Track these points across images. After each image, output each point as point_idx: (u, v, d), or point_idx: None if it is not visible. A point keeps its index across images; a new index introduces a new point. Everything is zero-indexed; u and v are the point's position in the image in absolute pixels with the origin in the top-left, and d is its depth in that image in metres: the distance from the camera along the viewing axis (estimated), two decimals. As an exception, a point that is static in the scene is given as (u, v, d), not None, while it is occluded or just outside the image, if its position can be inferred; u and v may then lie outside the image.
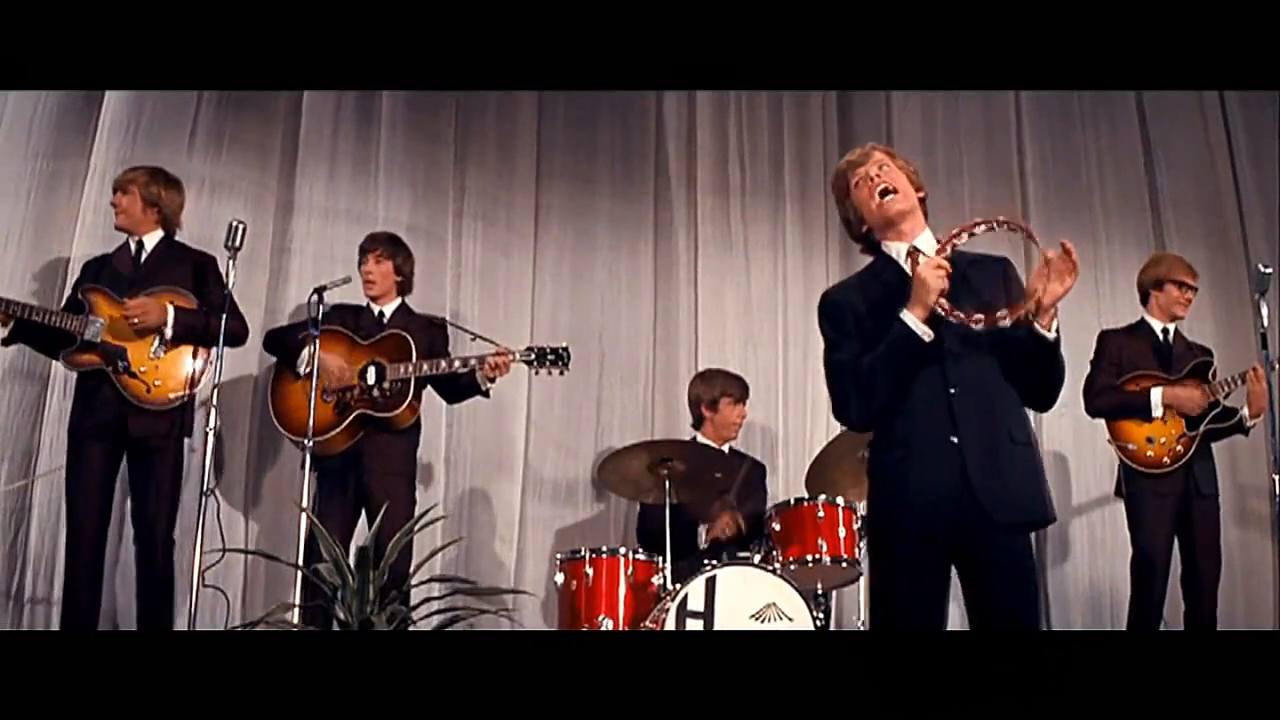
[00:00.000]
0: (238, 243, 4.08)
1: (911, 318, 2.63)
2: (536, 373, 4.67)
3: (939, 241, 2.75)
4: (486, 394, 4.63)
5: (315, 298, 4.31)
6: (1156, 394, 4.68)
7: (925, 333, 2.63)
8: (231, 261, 4.11)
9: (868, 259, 2.91)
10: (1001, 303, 2.69)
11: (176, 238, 4.48)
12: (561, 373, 4.64)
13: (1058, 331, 2.65)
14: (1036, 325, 2.62)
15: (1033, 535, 2.84)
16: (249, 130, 5.22)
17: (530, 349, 4.61)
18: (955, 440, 2.61)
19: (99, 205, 4.77)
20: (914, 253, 2.73)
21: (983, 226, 2.70)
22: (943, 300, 2.62)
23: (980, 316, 2.63)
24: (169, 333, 4.21)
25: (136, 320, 4.17)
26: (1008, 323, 2.65)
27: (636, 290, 5.73)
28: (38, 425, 4.67)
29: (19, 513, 4.62)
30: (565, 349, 4.60)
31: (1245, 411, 4.63)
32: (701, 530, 4.76)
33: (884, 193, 2.76)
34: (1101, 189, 6.16)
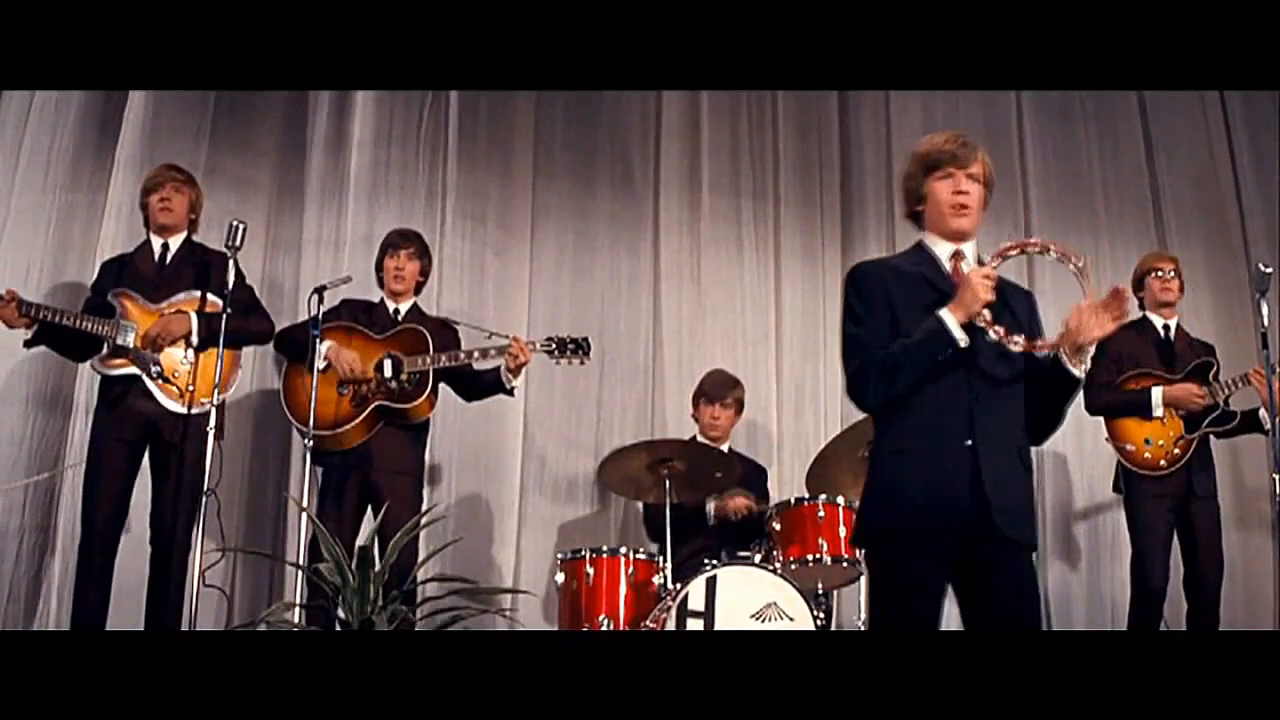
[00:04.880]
0: (238, 242, 4.08)
1: (951, 319, 2.61)
2: (558, 363, 4.66)
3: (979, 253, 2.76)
4: (511, 392, 4.59)
5: (315, 297, 4.31)
6: (1157, 393, 4.67)
7: (962, 338, 2.61)
8: (232, 261, 4.12)
9: (864, 258, 2.91)
10: (1034, 333, 2.70)
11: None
12: (582, 362, 4.65)
13: (1085, 372, 2.65)
14: (1065, 361, 2.62)
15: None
16: (247, 166, 5.28)
17: (551, 339, 4.61)
18: (970, 444, 2.60)
19: (117, 237, 4.81)
20: (958, 256, 2.73)
21: (1037, 248, 2.72)
22: (985, 312, 2.61)
23: (1020, 340, 2.63)
24: (194, 339, 4.22)
25: (162, 337, 4.19)
26: (1043, 353, 2.65)
27: (636, 290, 5.72)
28: (62, 456, 4.68)
29: (40, 533, 4.64)
30: (586, 340, 4.61)
31: (1263, 412, 4.59)
32: (710, 505, 4.74)
33: (962, 209, 2.74)
34: (1103, 188, 6.16)
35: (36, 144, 4.94)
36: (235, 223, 4.11)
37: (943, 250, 2.77)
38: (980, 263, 2.74)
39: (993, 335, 2.62)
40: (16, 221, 4.86)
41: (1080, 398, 4.73)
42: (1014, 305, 2.74)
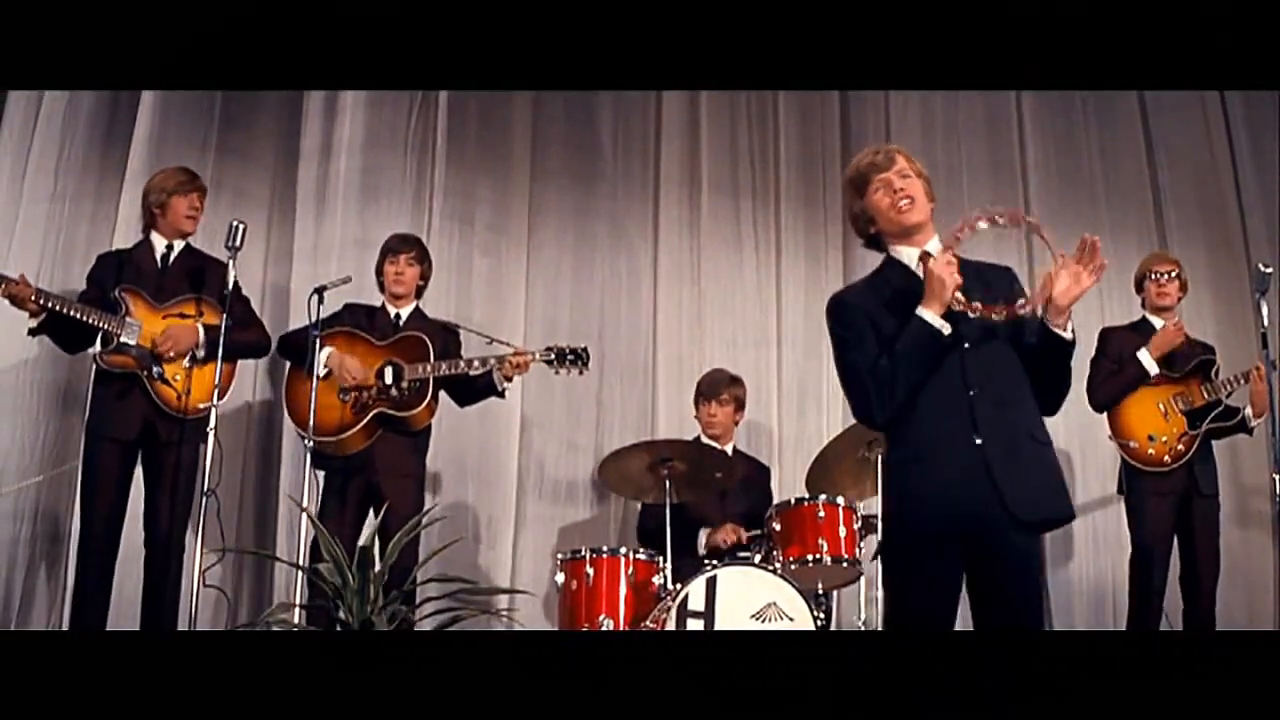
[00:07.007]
0: (238, 242, 4.10)
1: (928, 313, 2.63)
2: (557, 373, 4.67)
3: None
4: (502, 394, 4.63)
5: (315, 298, 4.31)
6: (1143, 354, 4.71)
7: (943, 325, 2.63)
8: (232, 261, 4.13)
9: (865, 256, 2.91)
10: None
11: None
12: (581, 372, 4.66)
13: (1074, 332, 2.66)
14: (1051, 325, 2.63)
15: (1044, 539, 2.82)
16: (247, 176, 5.30)
17: (550, 349, 4.62)
18: (979, 442, 2.61)
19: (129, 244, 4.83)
20: (926, 257, 2.73)
21: (985, 222, 2.69)
22: (959, 294, 2.62)
23: (1002, 308, 2.63)
24: (201, 354, 4.23)
25: (170, 350, 4.18)
26: (1027, 311, 2.64)
27: (636, 290, 5.72)
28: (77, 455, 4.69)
29: (57, 541, 4.63)
30: (585, 349, 4.62)
31: (1249, 411, 4.64)
32: (701, 535, 4.75)
33: (904, 202, 2.75)
34: (1104, 187, 6.16)
35: (45, 152, 4.95)
36: (235, 223, 4.12)
37: (909, 256, 2.78)
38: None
39: (971, 314, 2.62)
40: (25, 227, 4.87)
41: (1083, 395, 4.83)
42: (991, 281, 2.75)
